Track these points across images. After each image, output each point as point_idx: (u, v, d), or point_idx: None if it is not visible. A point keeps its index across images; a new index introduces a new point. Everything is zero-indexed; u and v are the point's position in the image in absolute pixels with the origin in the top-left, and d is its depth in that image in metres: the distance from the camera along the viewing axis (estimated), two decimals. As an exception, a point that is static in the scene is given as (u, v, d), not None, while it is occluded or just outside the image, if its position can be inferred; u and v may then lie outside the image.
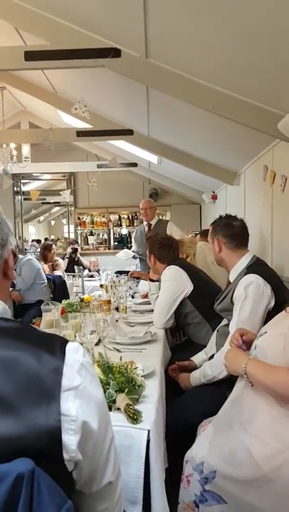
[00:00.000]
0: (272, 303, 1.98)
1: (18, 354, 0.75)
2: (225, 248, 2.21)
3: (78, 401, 0.76)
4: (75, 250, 7.69)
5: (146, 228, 4.92)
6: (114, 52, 2.63)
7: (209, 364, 2.12)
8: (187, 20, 2.17)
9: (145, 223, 4.98)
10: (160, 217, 5.00)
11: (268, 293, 1.96)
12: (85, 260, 7.85)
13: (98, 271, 7.58)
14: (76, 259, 7.64)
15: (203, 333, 2.64)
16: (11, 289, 4.49)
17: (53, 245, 6.52)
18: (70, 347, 0.80)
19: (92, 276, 7.36)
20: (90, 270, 7.64)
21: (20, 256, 4.79)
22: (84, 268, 7.50)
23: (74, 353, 0.80)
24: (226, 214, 2.32)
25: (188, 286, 2.66)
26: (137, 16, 2.21)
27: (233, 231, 2.21)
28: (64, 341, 0.82)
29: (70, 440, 0.74)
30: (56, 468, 0.73)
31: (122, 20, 2.46)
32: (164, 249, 2.91)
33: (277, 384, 1.31)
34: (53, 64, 2.88)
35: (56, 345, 0.80)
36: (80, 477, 0.80)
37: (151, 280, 3.12)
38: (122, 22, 2.50)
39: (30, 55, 2.76)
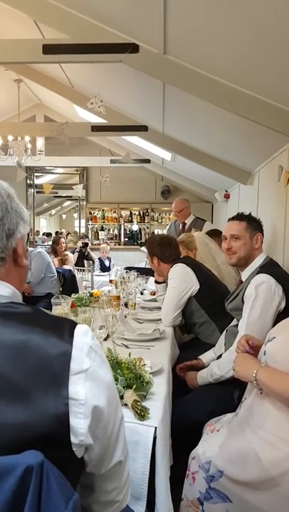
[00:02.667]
0: (283, 304, 1.97)
1: (28, 338, 0.75)
2: (260, 245, 2.18)
3: (88, 384, 0.76)
4: (85, 245, 7.72)
5: (180, 227, 4.83)
6: (132, 48, 2.62)
7: (217, 363, 2.12)
8: (206, 17, 2.15)
9: (179, 222, 4.88)
10: (197, 216, 4.83)
11: (279, 294, 1.94)
12: (94, 255, 7.88)
13: (109, 259, 7.60)
14: (86, 254, 7.66)
15: (209, 332, 2.63)
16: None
17: (61, 239, 6.52)
18: (78, 330, 0.80)
19: (106, 269, 7.36)
20: (101, 260, 7.64)
21: (30, 249, 4.80)
22: (93, 262, 7.53)
23: (83, 336, 0.79)
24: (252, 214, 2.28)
25: (194, 285, 2.65)
26: (156, 12, 2.20)
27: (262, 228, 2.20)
28: (73, 324, 0.81)
29: (79, 424, 0.74)
30: (64, 454, 0.74)
31: (142, 15, 2.45)
32: (165, 249, 2.88)
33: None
34: (71, 58, 2.88)
35: (65, 329, 0.79)
36: (90, 459, 0.81)
37: (157, 282, 3.10)
38: (141, 17, 2.49)
39: (48, 49, 2.76)
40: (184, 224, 4.78)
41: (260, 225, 2.21)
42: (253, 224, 2.18)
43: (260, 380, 1.41)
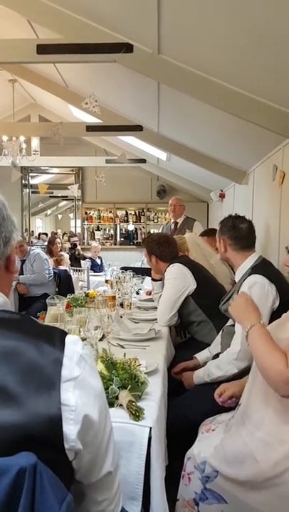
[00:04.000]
0: (277, 303, 1.97)
1: (20, 344, 0.77)
2: (230, 249, 2.21)
3: (78, 391, 0.77)
4: (74, 245, 7.65)
5: (173, 226, 4.86)
6: (127, 48, 2.62)
7: (215, 364, 2.11)
8: (200, 17, 2.15)
9: (172, 221, 4.92)
10: (187, 216, 4.92)
11: (272, 293, 1.95)
12: (88, 254, 7.87)
13: (100, 258, 7.53)
14: (77, 254, 7.62)
15: (206, 332, 2.64)
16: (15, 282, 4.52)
17: (57, 239, 6.51)
18: (69, 339, 0.82)
19: (98, 269, 7.29)
20: (93, 260, 7.58)
21: (28, 248, 4.82)
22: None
23: (73, 345, 0.81)
24: (235, 214, 2.30)
25: (191, 285, 2.65)
26: (150, 12, 2.20)
27: (239, 233, 2.20)
28: (63, 333, 0.83)
29: (70, 430, 0.75)
30: (58, 456, 0.75)
31: (136, 15, 2.45)
32: (163, 247, 2.88)
33: (266, 370, 1.32)
34: (65, 58, 2.88)
35: (56, 337, 0.81)
36: (80, 466, 0.81)
37: (154, 280, 3.10)
38: (135, 17, 2.49)
39: (43, 48, 2.76)
40: (176, 223, 4.82)
41: (223, 229, 2.24)
42: (223, 228, 2.25)
43: (251, 337, 1.41)
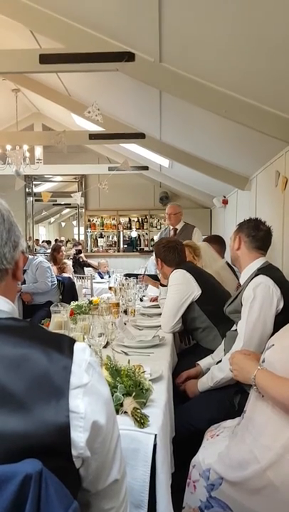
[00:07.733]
0: (281, 304, 1.96)
1: (29, 352, 0.77)
2: (243, 247, 2.20)
3: (87, 398, 0.77)
4: (78, 251, 7.72)
5: (172, 233, 4.87)
6: (129, 57, 2.65)
7: (218, 367, 2.10)
8: (201, 25, 2.17)
9: (171, 227, 4.94)
10: (186, 222, 4.94)
11: (277, 294, 1.94)
12: (93, 261, 7.88)
13: (108, 272, 7.59)
14: (81, 261, 7.65)
15: (211, 338, 2.62)
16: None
17: (62, 247, 6.55)
18: (77, 346, 0.82)
19: (102, 277, 7.36)
20: (100, 274, 7.64)
21: (30, 256, 4.82)
22: (94, 269, 7.55)
23: (81, 353, 0.81)
24: (256, 218, 2.32)
25: (195, 291, 2.64)
26: (152, 21, 2.22)
27: (257, 233, 2.20)
28: (72, 341, 0.84)
29: (79, 437, 0.75)
30: (65, 464, 0.74)
31: (137, 24, 2.48)
32: (169, 253, 2.88)
33: (287, 399, 1.30)
34: (68, 67, 2.91)
35: (64, 345, 0.81)
36: (87, 474, 0.81)
37: (162, 285, 3.10)
38: (136, 26, 2.52)
39: (45, 58, 2.79)
40: (175, 229, 4.82)
41: (243, 226, 2.25)
42: (243, 226, 2.24)
43: (259, 384, 1.41)
